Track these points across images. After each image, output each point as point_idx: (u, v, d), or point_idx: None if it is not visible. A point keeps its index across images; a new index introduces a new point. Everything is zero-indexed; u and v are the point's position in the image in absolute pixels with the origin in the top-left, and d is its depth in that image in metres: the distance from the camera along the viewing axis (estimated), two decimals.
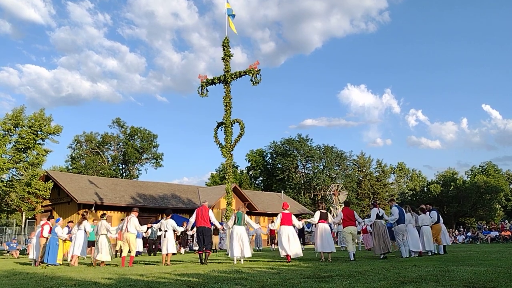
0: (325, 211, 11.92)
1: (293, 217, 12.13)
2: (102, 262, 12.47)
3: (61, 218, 14.28)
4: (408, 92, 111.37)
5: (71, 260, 13.56)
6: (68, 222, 16.69)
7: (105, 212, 20.34)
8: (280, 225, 11.98)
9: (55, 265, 12.79)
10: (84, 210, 25.41)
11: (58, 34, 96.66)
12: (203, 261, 11.75)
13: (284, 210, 12.17)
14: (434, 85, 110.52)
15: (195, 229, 21.90)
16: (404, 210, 12.67)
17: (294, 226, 12.16)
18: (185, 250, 21.47)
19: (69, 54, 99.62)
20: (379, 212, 12.12)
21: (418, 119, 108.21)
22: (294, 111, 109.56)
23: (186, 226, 18.77)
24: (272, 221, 13.05)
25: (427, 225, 13.33)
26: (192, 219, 12.35)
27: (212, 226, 12.44)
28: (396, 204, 12.66)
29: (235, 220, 12.12)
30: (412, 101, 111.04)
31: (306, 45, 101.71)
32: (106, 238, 12.72)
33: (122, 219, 13.31)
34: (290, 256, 11.43)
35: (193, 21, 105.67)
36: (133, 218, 12.06)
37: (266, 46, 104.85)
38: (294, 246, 11.64)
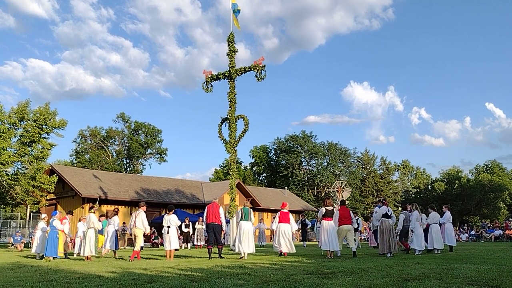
0: (330, 208, 11.84)
1: (291, 217, 13.02)
2: (87, 257, 12.43)
3: (58, 211, 14.30)
4: (411, 89, 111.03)
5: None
6: (100, 216, 16.86)
7: (93, 205, 20.41)
8: (278, 223, 12.85)
9: (56, 257, 12.86)
10: (90, 205, 25.59)
11: (62, 29, 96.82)
12: (211, 255, 12.07)
13: (282, 209, 13.05)
14: (437, 83, 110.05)
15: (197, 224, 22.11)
16: (388, 210, 13.04)
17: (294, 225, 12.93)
18: (189, 245, 21.52)
19: (72, 48, 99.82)
20: (388, 211, 12.03)
21: (421, 117, 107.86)
22: (297, 108, 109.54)
23: (201, 222, 19.53)
24: (275, 217, 13.53)
25: (436, 223, 13.33)
26: (204, 216, 12.61)
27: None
28: (379, 205, 13.03)
29: (242, 216, 12.17)
30: (415, 99, 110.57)
31: (309, 41, 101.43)
32: (94, 232, 12.70)
33: (131, 214, 13.47)
34: (285, 253, 12.51)
35: (196, 16, 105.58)
36: (141, 213, 12.14)
37: (269, 42, 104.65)
38: (290, 243, 12.61)
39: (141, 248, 20.40)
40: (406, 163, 73.12)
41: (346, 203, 13.40)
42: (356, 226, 14.27)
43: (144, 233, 12.57)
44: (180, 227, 21.57)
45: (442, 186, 60.76)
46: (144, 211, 12.40)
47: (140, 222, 11.92)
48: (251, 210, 12.69)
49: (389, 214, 12.00)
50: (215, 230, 12.23)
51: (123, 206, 28.91)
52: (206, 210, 12.52)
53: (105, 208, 27.27)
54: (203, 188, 37.18)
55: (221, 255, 12.32)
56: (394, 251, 11.75)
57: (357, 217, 18.17)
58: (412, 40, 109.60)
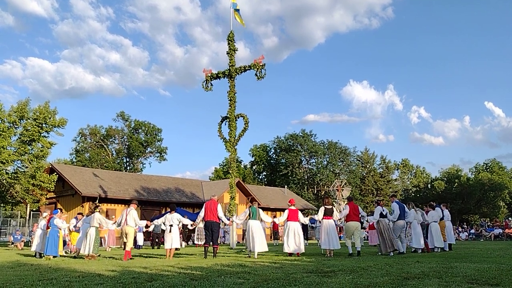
0: (330, 207, 11.85)
1: (299, 213, 12.52)
2: (88, 255, 12.34)
3: (59, 210, 14.20)
4: (410, 88, 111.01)
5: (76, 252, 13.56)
6: (77, 214, 16.80)
7: (98, 204, 20.36)
8: (287, 220, 12.34)
9: (56, 256, 12.84)
10: (94, 204, 25.56)
11: (61, 27, 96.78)
12: (207, 254, 11.81)
13: (290, 206, 12.54)
14: (437, 82, 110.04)
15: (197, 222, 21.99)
16: (404, 206, 12.66)
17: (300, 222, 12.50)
18: (185, 244, 21.52)
19: (72, 47, 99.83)
20: (383, 211, 12.03)
21: (421, 116, 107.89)
22: (297, 107, 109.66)
23: (196, 221, 18.99)
24: (275, 216, 13.22)
25: (436, 221, 13.34)
26: (202, 213, 12.23)
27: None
28: (397, 200, 12.62)
29: (250, 215, 12.07)
30: (414, 98, 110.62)
31: (309, 40, 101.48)
32: (95, 231, 12.61)
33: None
34: (298, 253, 11.98)
35: (196, 15, 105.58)
36: (132, 211, 11.94)
37: (269, 41, 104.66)
38: (299, 243, 12.06)
39: (141, 247, 20.52)
40: (406, 162, 73.07)
41: (353, 200, 13.17)
42: (365, 219, 14.03)
43: (147, 231, 12.40)
44: (185, 225, 21.31)
45: (442, 185, 60.75)
46: (135, 209, 12.20)
47: (131, 220, 11.73)
48: (260, 209, 12.46)
49: (385, 214, 12.00)
50: (213, 228, 11.89)
51: (123, 205, 28.91)
52: (204, 207, 12.15)
53: (105, 206, 27.27)
54: (203, 187, 37.18)
55: (216, 254, 12.01)
56: (397, 249, 11.73)
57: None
58: (412, 39, 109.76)
